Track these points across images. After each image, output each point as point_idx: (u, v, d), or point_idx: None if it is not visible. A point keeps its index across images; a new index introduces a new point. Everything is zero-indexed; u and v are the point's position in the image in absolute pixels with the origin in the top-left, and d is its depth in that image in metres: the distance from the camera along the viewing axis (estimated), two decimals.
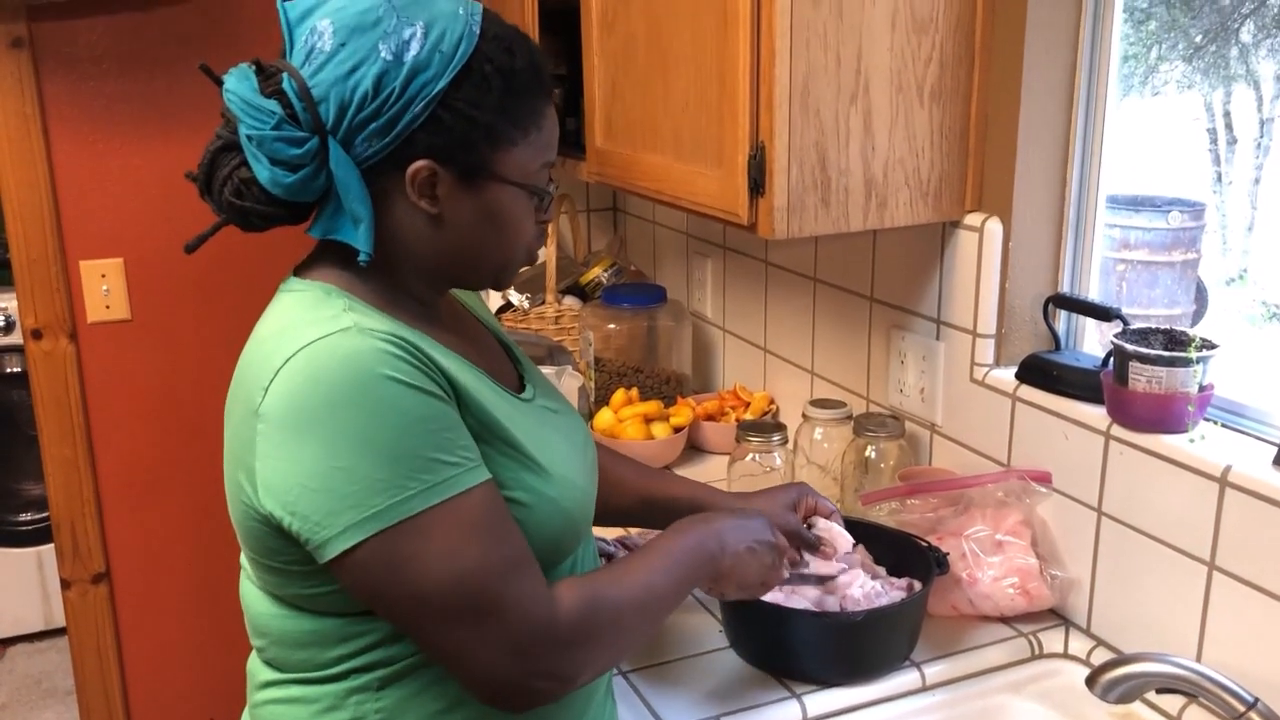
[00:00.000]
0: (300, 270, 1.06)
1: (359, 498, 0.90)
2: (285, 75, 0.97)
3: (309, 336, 0.94)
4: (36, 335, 2.26)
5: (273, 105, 0.97)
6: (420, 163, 0.99)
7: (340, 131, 0.97)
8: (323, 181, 0.99)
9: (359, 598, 0.96)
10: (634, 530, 1.64)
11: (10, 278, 2.26)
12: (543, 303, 2.26)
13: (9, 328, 3.25)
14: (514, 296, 2.28)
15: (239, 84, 0.98)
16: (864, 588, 1.33)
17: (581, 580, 1.02)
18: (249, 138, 0.97)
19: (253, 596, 1.06)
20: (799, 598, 1.33)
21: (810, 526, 1.35)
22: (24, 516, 3.41)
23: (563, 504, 1.05)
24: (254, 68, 0.99)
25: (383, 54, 0.96)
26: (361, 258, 1.00)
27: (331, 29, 0.97)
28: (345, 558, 0.91)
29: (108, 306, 2.30)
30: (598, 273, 2.37)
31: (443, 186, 1.01)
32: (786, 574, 1.23)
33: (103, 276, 2.28)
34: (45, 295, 2.25)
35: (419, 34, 0.97)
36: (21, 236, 2.21)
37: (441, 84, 0.97)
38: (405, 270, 1.06)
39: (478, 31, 1.00)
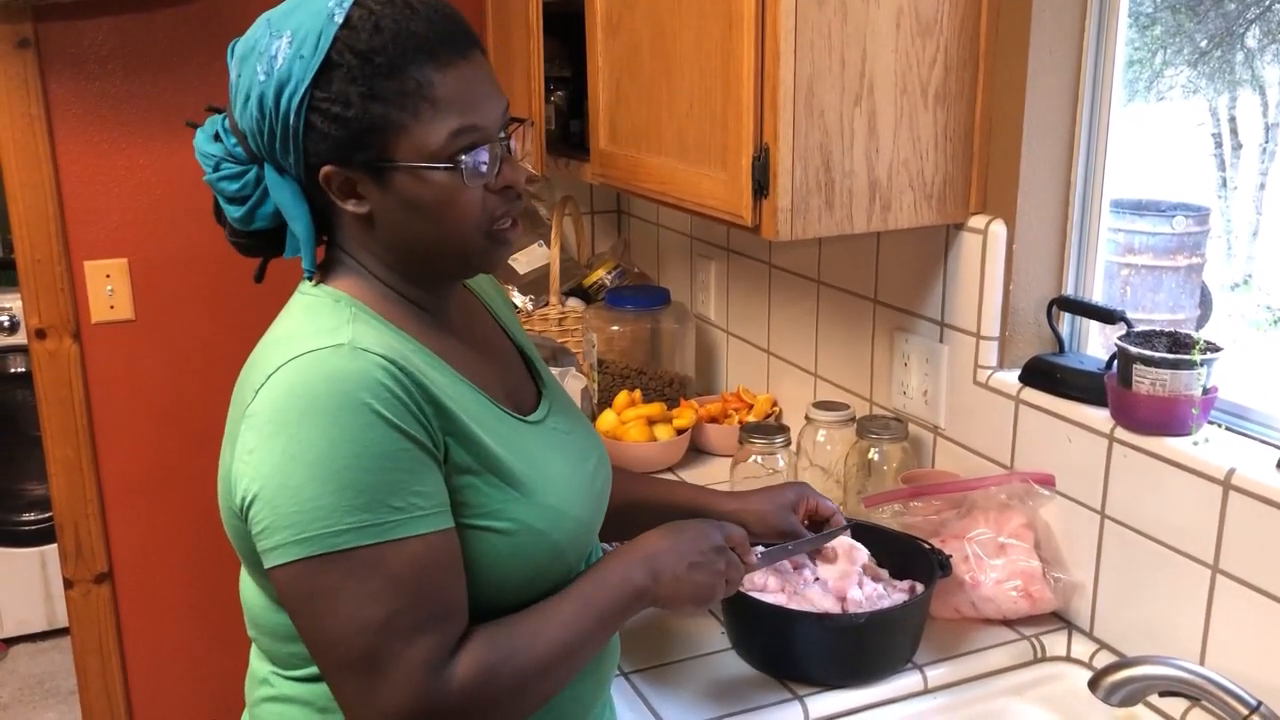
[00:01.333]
0: (317, 275, 1.07)
1: (297, 518, 0.90)
2: (223, 115, 1.04)
3: (305, 347, 0.95)
4: (41, 335, 2.26)
5: (215, 149, 1.03)
6: (325, 169, 0.98)
7: (266, 157, 1.00)
8: (273, 207, 1.03)
9: (286, 611, 0.97)
10: None
11: (15, 278, 2.27)
12: (546, 304, 2.27)
13: (13, 328, 3.26)
14: (517, 298, 2.28)
15: (200, 133, 1.05)
16: (866, 589, 1.33)
17: (488, 641, 0.97)
18: (209, 183, 1.04)
19: (247, 588, 1.07)
20: (801, 599, 1.33)
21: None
22: (27, 517, 3.42)
23: (551, 536, 1.03)
24: (217, 115, 1.05)
25: (259, 75, 0.97)
26: (305, 274, 1.04)
27: (234, 62, 1.01)
28: (274, 571, 0.93)
29: (112, 307, 2.30)
30: (601, 275, 2.37)
31: (362, 186, 0.99)
32: (755, 558, 1.20)
33: (107, 277, 2.29)
34: (50, 295, 2.25)
35: (284, 45, 0.96)
36: (26, 237, 2.21)
37: (303, 89, 0.95)
38: (381, 273, 1.05)
39: (340, 20, 0.96)
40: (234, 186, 1.02)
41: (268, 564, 0.93)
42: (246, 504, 0.93)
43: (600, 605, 1.05)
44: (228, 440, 0.99)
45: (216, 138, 1.03)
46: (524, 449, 1.05)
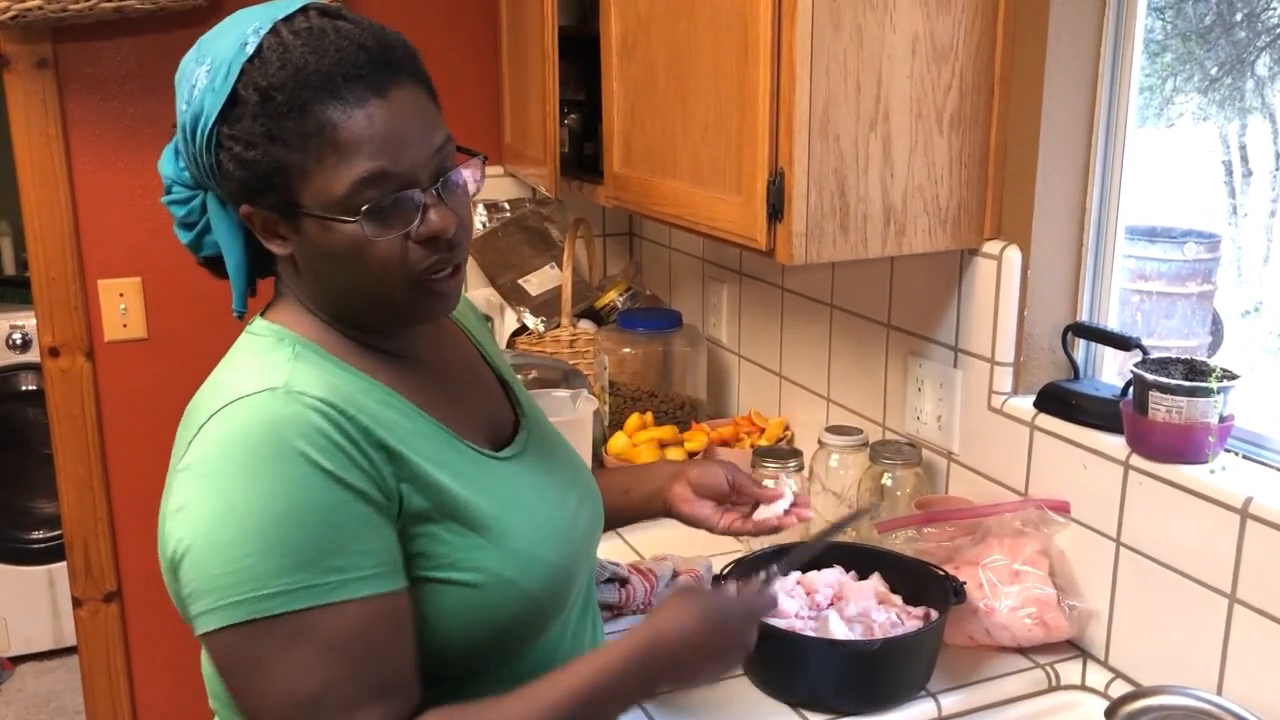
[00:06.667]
0: (266, 310, 1.02)
1: (224, 581, 0.83)
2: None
3: (238, 392, 0.88)
4: (54, 353, 2.26)
5: (170, 170, 0.98)
6: (244, 207, 0.92)
7: (205, 186, 0.96)
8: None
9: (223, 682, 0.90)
10: (648, 554, 1.63)
11: (28, 295, 2.27)
12: (558, 326, 2.27)
13: (25, 345, 3.27)
14: (529, 319, 2.29)
15: (169, 149, 0.99)
16: (879, 617, 1.33)
17: None
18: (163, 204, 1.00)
19: (204, 656, 0.99)
20: (813, 624, 1.32)
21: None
22: (36, 534, 3.42)
23: (523, 585, 0.96)
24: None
25: (181, 104, 0.92)
26: (234, 313, 1.00)
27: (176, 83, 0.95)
28: (205, 639, 0.86)
29: (125, 325, 2.31)
30: (613, 297, 2.38)
31: (282, 227, 0.93)
32: (773, 578, 1.10)
33: (120, 295, 2.29)
34: (64, 313, 2.26)
35: (202, 75, 0.90)
36: (42, 255, 2.22)
37: (209, 125, 0.89)
38: (324, 313, 0.98)
39: (250, 51, 0.88)
40: (181, 211, 0.99)
41: (197, 631, 0.86)
42: (176, 565, 0.86)
43: (589, 704, 0.92)
44: (164, 495, 0.93)
45: (178, 156, 0.98)
46: (492, 488, 0.98)
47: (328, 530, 0.84)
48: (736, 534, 1.31)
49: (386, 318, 0.98)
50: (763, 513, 1.29)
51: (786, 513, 1.28)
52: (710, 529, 1.30)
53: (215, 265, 1.02)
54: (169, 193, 0.99)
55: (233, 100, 0.87)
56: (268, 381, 0.89)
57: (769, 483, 1.68)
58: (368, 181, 0.88)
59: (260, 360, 0.93)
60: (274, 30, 0.89)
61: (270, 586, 0.83)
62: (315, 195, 0.89)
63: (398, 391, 0.96)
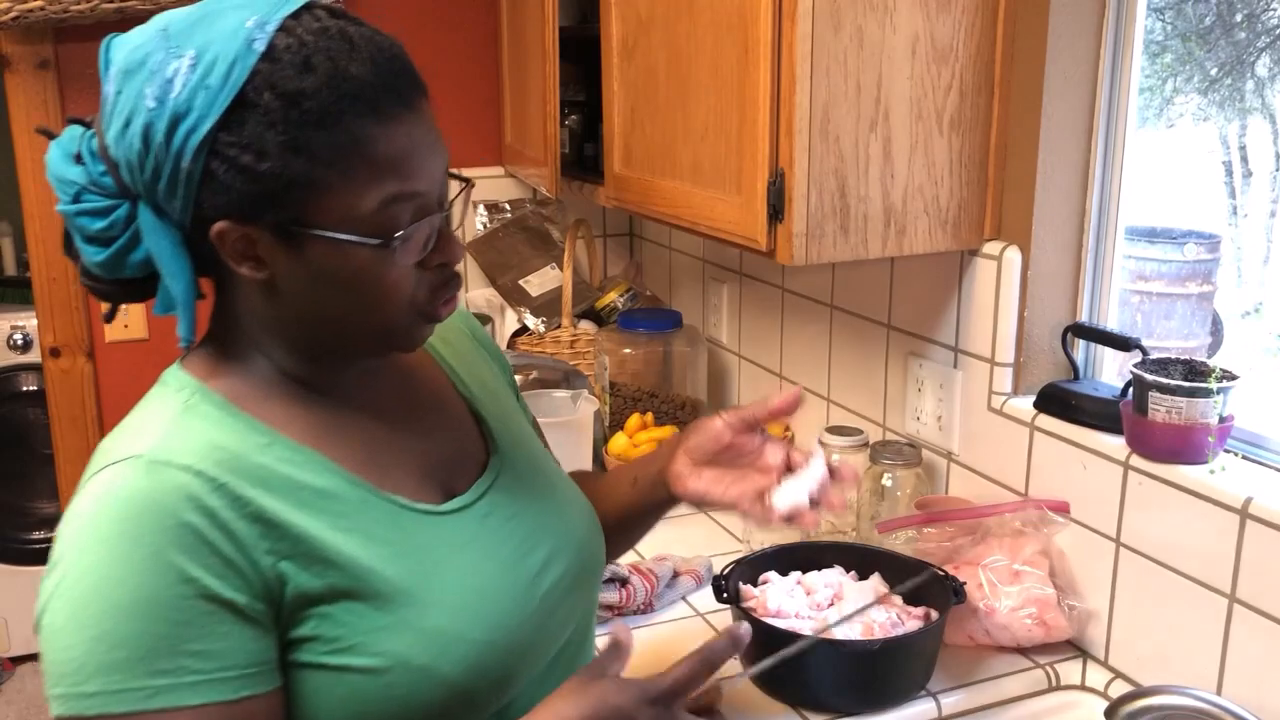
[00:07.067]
0: (196, 347, 0.91)
1: (55, 668, 0.77)
2: (89, 132, 0.84)
3: (113, 455, 0.80)
4: (55, 354, 2.27)
5: (75, 173, 0.83)
6: (220, 225, 0.81)
7: (144, 195, 0.82)
8: (146, 254, 0.84)
9: None
10: (648, 555, 1.63)
11: (29, 296, 2.28)
12: (558, 326, 2.27)
13: (26, 346, 3.27)
14: (529, 320, 2.29)
15: (56, 150, 0.85)
16: (879, 617, 1.33)
17: None
18: (62, 214, 0.84)
19: None
20: (812, 624, 1.32)
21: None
22: (36, 535, 3.42)
23: (440, 671, 0.84)
24: (79, 127, 0.85)
25: (148, 100, 0.78)
26: (181, 342, 0.86)
27: (113, 73, 0.82)
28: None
29: (125, 326, 2.31)
30: (614, 297, 2.38)
31: (263, 247, 0.82)
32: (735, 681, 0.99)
33: None
34: (64, 314, 2.26)
35: (184, 69, 0.78)
36: (42, 256, 2.23)
37: (205, 128, 0.77)
38: (273, 349, 0.88)
39: (261, 49, 0.78)
40: (98, 225, 0.83)
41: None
42: (36, 626, 0.80)
43: None
44: None
45: (78, 159, 0.83)
46: (414, 553, 0.86)
47: (163, 628, 0.75)
48: (754, 517, 1.03)
49: (372, 346, 0.89)
50: (786, 495, 1.01)
51: (814, 504, 1.00)
52: (719, 504, 1.04)
53: (132, 289, 0.88)
54: (76, 201, 0.83)
55: (239, 103, 0.78)
56: (134, 447, 0.80)
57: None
58: (396, 200, 0.82)
59: (144, 415, 0.85)
60: (285, 28, 0.79)
61: (92, 684, 0.75)
62: (334, 214, 0.80)
63: (316, 444, 0.86)
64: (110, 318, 0.97)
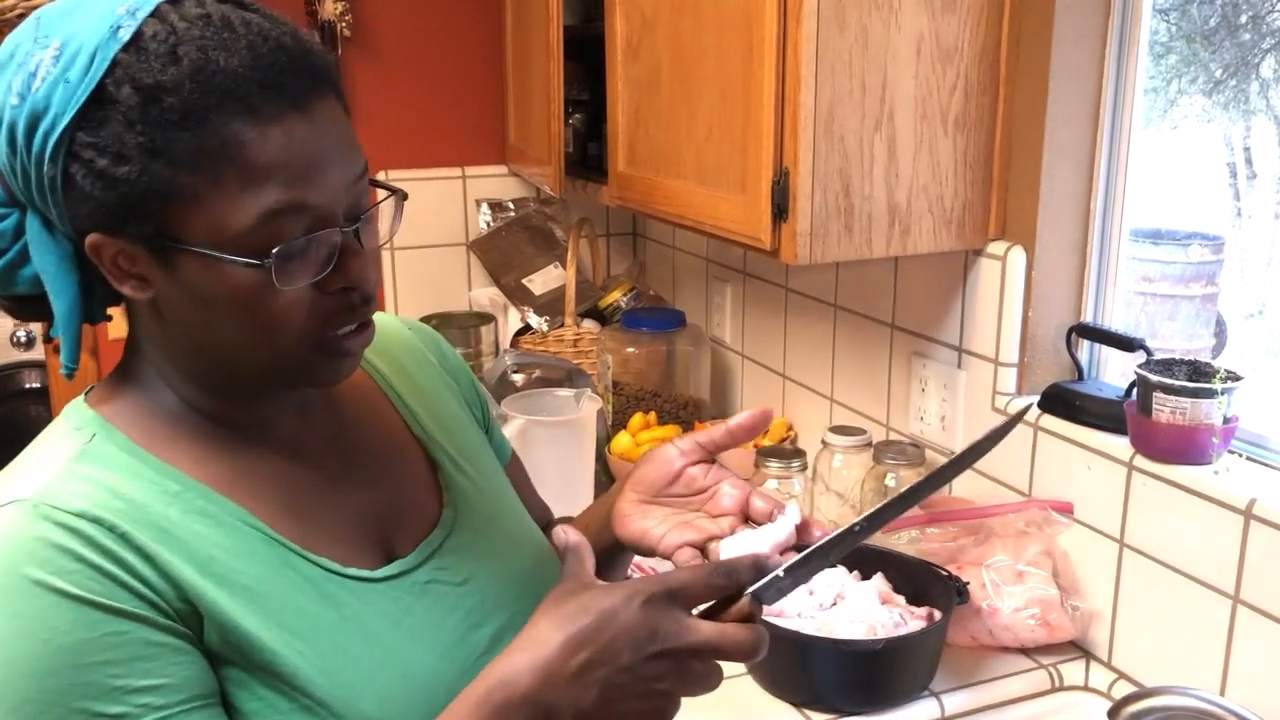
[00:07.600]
0: (100, 381, 0.83)
1: None
2: None
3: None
4: (59, 350, 2.27)
5: None
6: (92, 237, 0.71)
7: (29, 204, 0.73)
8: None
9: None
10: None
11: None
12: (561, 325, 2.27)
13: (29, 343, 3.27)
14: (533, 319, 2.29)
15: None
16: (881, 616, 1.33)
17: None
18: None
19: None
20: (815, 624, 1.32)
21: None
22: None
23: None
24: None
25: (12, 97, 0.70)
26: (61, 370, 0.77)
27: None
28: None
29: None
30: (617, 296, 2.38)
31: (141, 264, 0.72)
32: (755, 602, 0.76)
33: None
34: None
35: (47, 60, 0.68)
36: None
37: (61, 127, 0.68)
38: (176, 382, 0.78)
39: (126, 37, 0.68)
40: None
41: None
42: None
43: None
44: None
45: None
46: (342, 627, 0.76)
47: (91, 673, 0.66)
48: (697, 561, 0.84)
49: (269, 382, 0.79)
50: (734, 553, 0.81)
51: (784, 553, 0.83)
52: (658, 552, 0.86)
53: (26, 306, 0.79)
54: None
55: (97, 99, 0.68)
56: (19, 490, 0.71)
57: (771, 483, 1.68)
58: (277, 214, 0.70)
59: (39, 454, 0.76)
60: (158, 14, 0.69)
61: None
62: (204, 227, 0.69)
63: (232, 492, 0.76)
64: (48, 338, 0.87)
